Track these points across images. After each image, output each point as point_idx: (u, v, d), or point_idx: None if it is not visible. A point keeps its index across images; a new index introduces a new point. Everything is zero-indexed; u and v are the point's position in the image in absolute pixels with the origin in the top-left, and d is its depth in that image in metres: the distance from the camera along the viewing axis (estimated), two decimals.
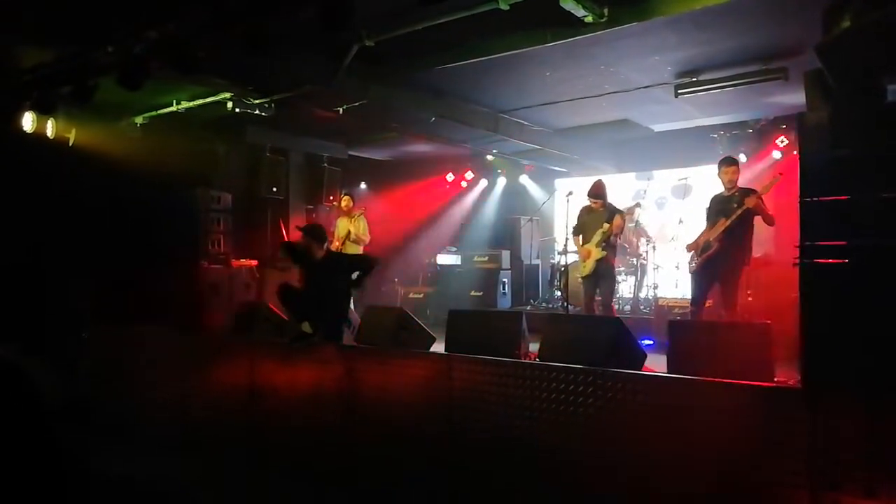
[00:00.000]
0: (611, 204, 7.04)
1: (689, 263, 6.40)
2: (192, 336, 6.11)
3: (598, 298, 6.99)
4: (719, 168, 6.28)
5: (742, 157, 9.75)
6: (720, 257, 5.97)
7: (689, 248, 6.41)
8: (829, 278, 3.23)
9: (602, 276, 6.93)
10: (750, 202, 5.78)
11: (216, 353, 5.67)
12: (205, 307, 8.02)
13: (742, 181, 7.60)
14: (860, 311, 3.13)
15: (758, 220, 6.01)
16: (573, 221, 7.37)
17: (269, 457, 5.02)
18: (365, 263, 5.69)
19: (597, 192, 7.03)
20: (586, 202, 7.18)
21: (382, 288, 11.42)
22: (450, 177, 12.88)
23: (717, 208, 6.17)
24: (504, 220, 12.43)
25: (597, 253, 6.87)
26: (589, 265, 6.95)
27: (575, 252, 8.49)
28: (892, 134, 3.22)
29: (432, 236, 12.48)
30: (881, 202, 3.13)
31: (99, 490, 4.52)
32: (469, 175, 12.79)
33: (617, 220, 6.78)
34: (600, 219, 6.90)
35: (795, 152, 8.65)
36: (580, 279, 7.24)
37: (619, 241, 7.58)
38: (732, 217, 5.88)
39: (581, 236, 7.15)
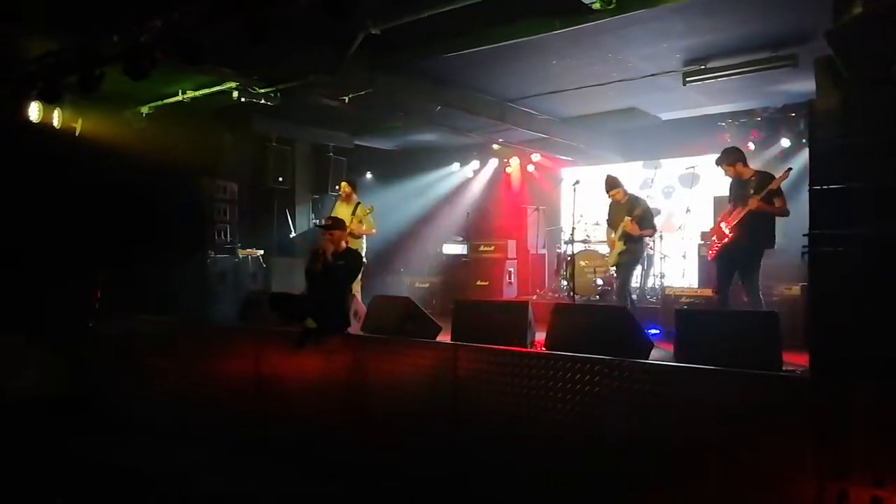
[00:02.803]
0: (633, 195, 7.25)
1: (700, 249, 6.42)
2: (199, 326, 6.14)
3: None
4: (717, 165, 6.24)
5: (750, 146, 9.69)
6: (736, 245, 5.95)
7: (707, 236, 6.49)
8: (837, 267, 3.20)
9: (620, 267, 7.24)
10: (752, 204, 5.76)
11: (222, 343, 5.70)
12: (211, 296, 8.05)
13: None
14: (869, 299, 3.11)
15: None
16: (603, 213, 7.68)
17: (275, 446, 5.04)
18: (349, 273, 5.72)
19: (611, 184, 7.23)
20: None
21: (389, 278, 11.42)
22: (456, 166, 12.83)
23: (736, 193, 6.14)
24: (510, 210, 12.40)
25: (619, 246, 7.14)
26: (612, 257, 7.32)
27: (580, 242, 8.57)
28: None
29: (438, 226, 12.46)
30: (891, 190, 3.10)
31: (103, 479, 4.56)
32: (475, 164, 12.74)
33: (628, 223, 6.95)
34: (623, 211, 7.12)
35: (804, 141, 8.58)
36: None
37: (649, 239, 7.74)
38: (747, 209, 5.84)
39: (612, 228, 7.37)
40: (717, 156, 6.31)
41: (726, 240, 5.98)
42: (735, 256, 6.02)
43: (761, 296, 6.02)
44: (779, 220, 6.01)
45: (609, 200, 7.42)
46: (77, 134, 7.50)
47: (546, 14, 5.77)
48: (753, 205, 5.77)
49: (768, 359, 3.51)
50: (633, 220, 6.95)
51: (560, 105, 9.22)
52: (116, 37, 5.29)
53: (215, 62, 6.38)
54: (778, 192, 5.81)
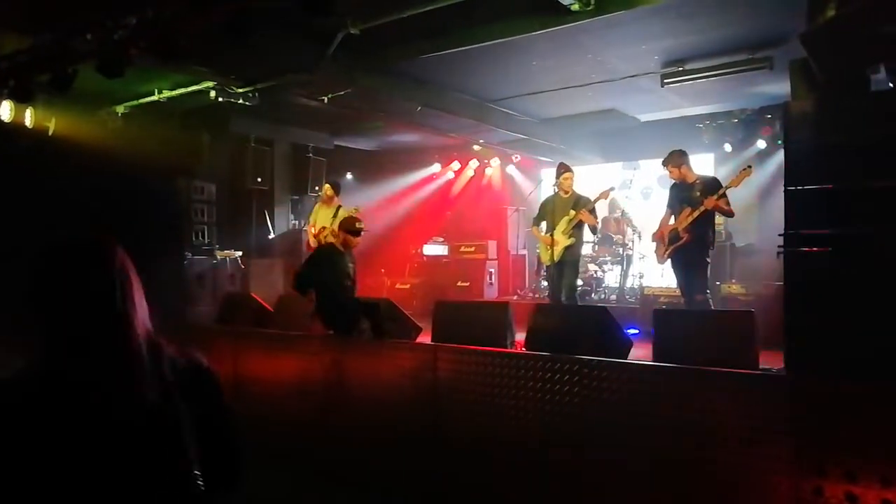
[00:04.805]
0: (575, 191, 6.94)
1: (655, 253, 6.41)
2: (176, 327, 6.05)
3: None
4: (664, 167, 6.28)
5: (727, 147, 9.82)
6: (686, 246, 6.00)
7: (654, 237, 6.40)
8: (812, 266, 3.25)
9: (566, 265, 6.81)
10: (709, 203, 5.79)
11: (200, 345, 5.61)
12: (189, 298, 7.95)
13: (724, 172, 7.57)
14: (843, 298, 3.15)
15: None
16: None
17: (252, 448, 4.98)
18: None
19: (565, 168, 6.90)
20: (552, 192, 7.11)
21: (369, 279, 11.37)
22: (436, 167, 12.83)
23: (680, 196, 6.14)
24: (490, 211, 12.42)
25: (564, 240, 6.75)
26: (556, 252, 6.78)
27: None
28: (875, 123, 3.24)
29: (419, 227, 12.44)
30: (864, 191, 3.15)
31: None
32: (456, 165, 12.75)
33: (584, 213, 6.66)
34: (567, 205, 6.81)
35: (780, 142, 8.71)
36: (545, 268, 7.05)
37: (596, 233, 7.46)
38: (700, 209, 5.86)
39: (544, 224, 7.00)
40: (697, 155, 6.34)
41: (681, 242, 5.99)
42: (686, 258, 6.04)
43: (709, 295, 6.05)
44: (755, 219, 6.10)
45: (546, 196, 7.11)
46: (50, 134, 7.36)
47: (526, 15, 5.79)
48: (710, 204, 5.79)
49: (745, 357, 3.55)
50: (587, 211, 6.64)
51: (540, 106, 9.26)
52: (89, 34, 5.19)
53: (192, 61, 6.30)
54: (724, 195, 5.88)
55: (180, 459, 1.39)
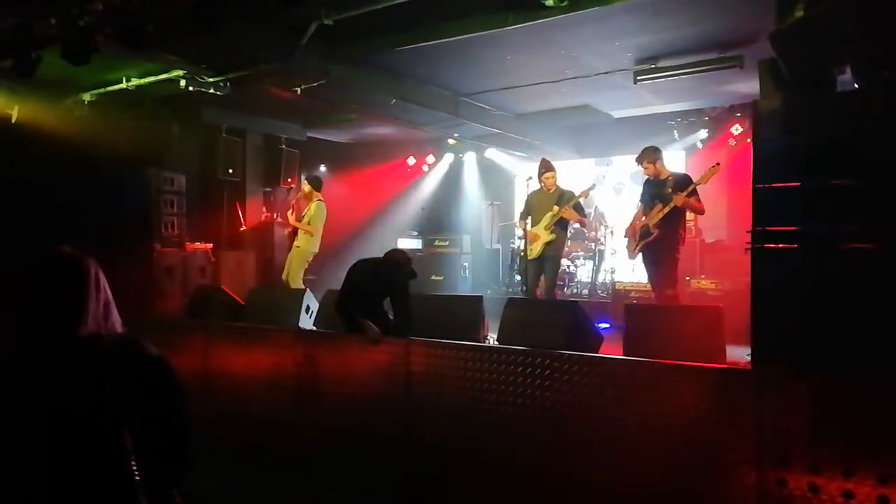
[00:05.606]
0: (559, 187, 6.96)
1: (627, 248, 6.49)
2: (145, 320, 5.95)
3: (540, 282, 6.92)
4: (638, 164, 6.32)
5: (698, 144, 9.97)
6: (656, 241, 6.05)
7: (627, 231, 6.47)
8: (779, 262, 3.31)
9: (547, 260, 6.85)
10: (678, 201, 5.85)
11: (170, 339, 5.53)
12: (158, 291, 7.82)
13: (693, 168, 7.65)
14: (809, 295, 3.22)
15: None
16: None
17: (222, 444, 4.92)
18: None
19: (547, 166, 6.93)
20: (536, 186, 7.13)
21: (342, 272, 11.30)
22: (411, 160, 12.78)
23: (652, 192, 6.19)
24: (465, 205, 12.43)
25: (546, 236, 6.79)
26: (536, 248, 6.83)
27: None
28: (841, 123, 3.30)
29: (393, 220, 12.40)
30: (830, 189, 3.22)
31: None
32: (430, 159, 12.72)
33: (567, 210, 6.70)
34: (550, 201, 6.83)
35: (749, 140, 8.85)
36: (519, 262, 7.09)
37: (573, 228, 7.49)
38: (670, 206, 5.91)
39: (529, 219, 7.02)
40: (669, 153, 6.38)
41: (651, 238, 6.04)
42: (656, 253, 6.10)
43: (675, 291, 6.09)
44: (724, 216, 6.18)
45: (530, 191, 7.15)
46: (14, 121, 7.16)
47: (500, 9, 5.78)
48: (680, 201, 5.85)
49: (713, 351, 3.61)
50: (570, 207, 6.69)
51: (514, 101, 9.28)
52: (53, 19, 5.04)
53: (161, 49, 6.16)
54: (695, 192, 5.95)
55: (116, 450, 1.49)
